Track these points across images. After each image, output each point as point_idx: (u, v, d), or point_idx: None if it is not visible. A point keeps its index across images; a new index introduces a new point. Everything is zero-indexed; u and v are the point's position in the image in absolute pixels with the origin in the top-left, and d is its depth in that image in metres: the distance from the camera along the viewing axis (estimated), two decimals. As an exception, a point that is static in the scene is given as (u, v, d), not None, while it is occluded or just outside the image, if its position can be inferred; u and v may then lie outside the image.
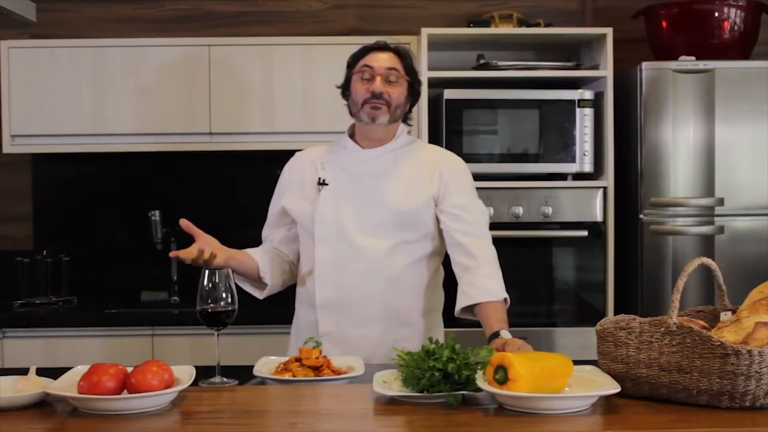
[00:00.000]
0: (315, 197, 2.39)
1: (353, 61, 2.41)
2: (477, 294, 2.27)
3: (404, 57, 2.39)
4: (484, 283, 2.28)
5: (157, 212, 3.64)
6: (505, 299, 2.29)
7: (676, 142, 3.35)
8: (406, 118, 2.48)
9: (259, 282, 2.43)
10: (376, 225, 2.35)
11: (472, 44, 3.67)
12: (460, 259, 2.35)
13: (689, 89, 3.34)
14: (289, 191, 2.46)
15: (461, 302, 2.30)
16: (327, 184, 2.39)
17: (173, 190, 3.85)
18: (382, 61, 2.36)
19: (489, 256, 2.34)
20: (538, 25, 3.63)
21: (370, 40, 2.82)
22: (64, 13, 3.85)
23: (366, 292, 2.34)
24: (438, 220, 2.39)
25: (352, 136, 2.46)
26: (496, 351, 1.77)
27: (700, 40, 3.47)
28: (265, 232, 2.55)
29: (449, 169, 2.42)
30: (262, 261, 2.41)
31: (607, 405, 1.66)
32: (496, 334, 2.15)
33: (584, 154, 3.43)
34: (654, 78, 3.34)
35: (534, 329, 3.37)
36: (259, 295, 2.47)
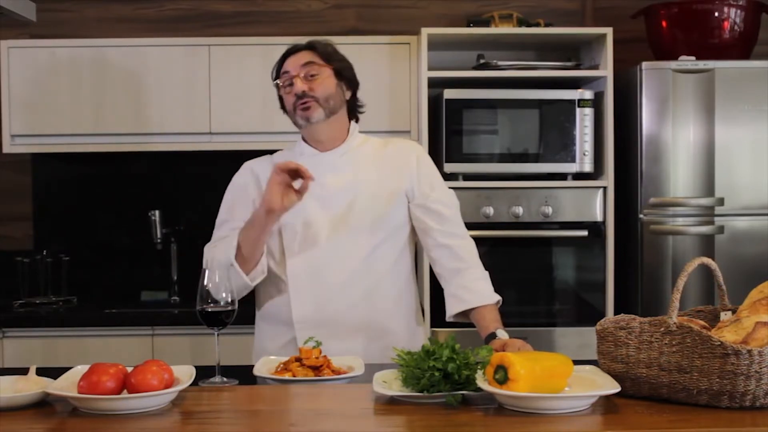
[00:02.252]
0: None
1: (275, 75, 2.32)
2: (472, 298, 2.24)
3: (319, 48, 2.28)
4: (477, 286, 2.25)
5: (157, 212, 3.64)
6: (499, 303, 2.26)
7: (676, 142, 3.35)
8: (354, 113, 2.36)
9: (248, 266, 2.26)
10: (349, 230, 2.26)
11: (472, 44, 3.68)
12: (447, 262, 2.30)
13: (689, 89, 3.34)
14: (252, 197, 2.31)
15: (455, 307, 2.26)
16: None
17: (173, 190, 3.85)
18: (296, 61, 2.26)
19: (475, 255, 2.31)
20: (538, 25, 3.63)
21: (370, 40, 2.83)
22: (64, 13, 3.86)
23: (345, 304, 2.25)
24: (411, 215, 2.33)
25: (306, 140, 2.36)
26: (496, 351, 1.77)
27: (700, 40, 3.48)
28: (221, 234, 2.33)
29: (416, 162, 2.34)
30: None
31: (607, 405, 1.66)
32: (493, 335, 2.13)
33: (584, 154, 3.43)
34: (654, 78, 3.34)
35: (534, 329, 3.38)
36: (250, 280, 2.24)
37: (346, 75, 2.31)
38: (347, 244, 2.26)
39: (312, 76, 2.25)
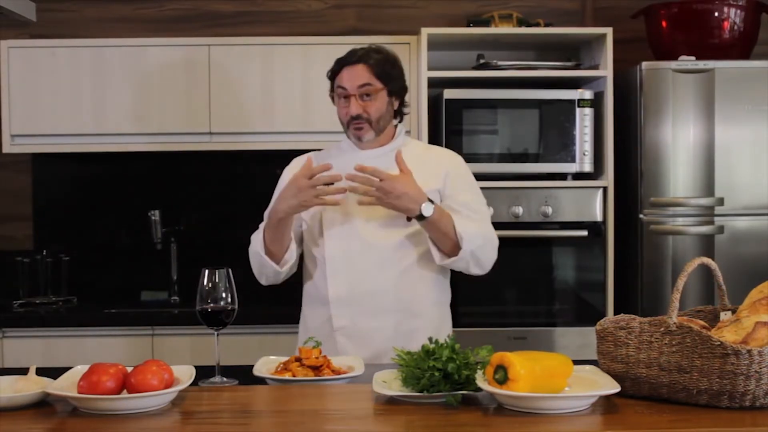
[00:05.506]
0: None
1: (332, 76, 2.44)
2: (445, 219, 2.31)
3: (376, 65, 2.38)
4: (462, 222, 2.31)
5: (157, 212, 3.64)
6: (461, 240, 2.28)
7: (676, 142, 3.35)
8: (399, 113, 2.48)
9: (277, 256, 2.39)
10: (383, 218, 2.37)
11: (472, 44, 3.67)
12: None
13: (689, 89, 3.34)
14: None
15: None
16: (332, 183, 2.39)
17: (173, 190, 3.85)
18: (354, 78, 2.36)
19: (490, 236, 2.38)
20: (538, 25, 3.63)
21: (370, 40, 2.83)
22: (64, 13, 3.86)
23: (377, 285, 2.36)
24: None
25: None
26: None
27: (700, 40, 3.48)
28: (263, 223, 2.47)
29: (453, 168, 2.46)
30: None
31: (607, 405, 1.66)
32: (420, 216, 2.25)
33: (584, 154, 3.43)
34: (654, 78, 3.34)
35: (534, 329, 3.37)
36: (279, 267, 2.37)
37: (397, 90, 2.43)
38: (381, 232, 2.37)
39: (367, 96, 2.37)
